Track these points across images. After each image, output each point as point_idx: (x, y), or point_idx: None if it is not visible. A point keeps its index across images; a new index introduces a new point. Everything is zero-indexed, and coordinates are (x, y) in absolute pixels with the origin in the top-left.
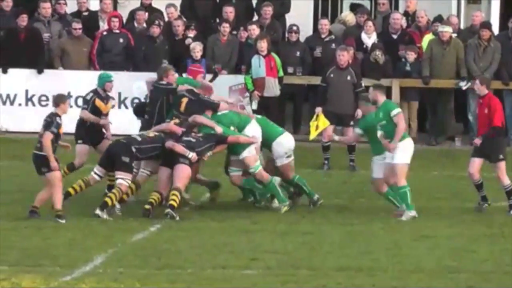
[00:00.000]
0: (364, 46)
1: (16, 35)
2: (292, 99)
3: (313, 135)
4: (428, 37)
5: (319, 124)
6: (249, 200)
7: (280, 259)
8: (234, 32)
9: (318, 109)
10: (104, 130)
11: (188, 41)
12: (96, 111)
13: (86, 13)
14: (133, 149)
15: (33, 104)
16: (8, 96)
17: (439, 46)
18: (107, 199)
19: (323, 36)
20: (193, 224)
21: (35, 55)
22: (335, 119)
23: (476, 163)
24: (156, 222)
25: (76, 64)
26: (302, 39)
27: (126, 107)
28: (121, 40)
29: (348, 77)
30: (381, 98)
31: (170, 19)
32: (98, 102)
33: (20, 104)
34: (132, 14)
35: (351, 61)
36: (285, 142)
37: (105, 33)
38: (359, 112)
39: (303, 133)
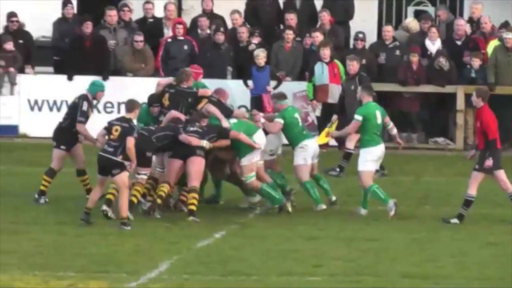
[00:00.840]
0: (429, 52)
1: (81, 43)
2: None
3: (321, 141)
4: (493, 43)
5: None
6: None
7: (345, 266)
8: (299, 39)
9: (334, 117)
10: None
11: (251, 47)
12: (86, 119)
13: (151, 20)
14: (153, 140)
15: (98, 111)
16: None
17: (504, 53)
18: (133, 198)
19: (387, 42)
20: (258, 231)
21: (100, 62)
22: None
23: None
24: (221, 228)
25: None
26: (366, 45)
27: None
28: (185, 47)
29: (352, 87)
30: (366, 99)
31: (234, 26)
32: (90, 111)
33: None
34: (195, 21)
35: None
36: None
37: (169, 40)
38: None
39: None
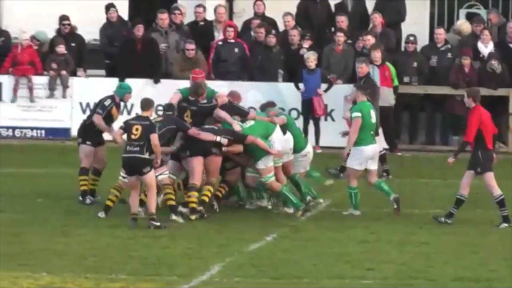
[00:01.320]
0: (481, 55)
1: (132, 46)
2: (408, 109)
3: None
4: None
5: None
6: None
7: (397, 269)
8: (350, 41)
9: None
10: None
11: (302, 51)
12: (109, 119)
13: (202, 23)
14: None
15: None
16: (125, 106)
17: None
18: (172, 202)
19: (439, 45)
20: (310, 234)
21: (152, 65)
22: None
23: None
24: (272, 231)
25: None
26: (417, 48)
27: None
28: (236, 50)
29: None
30: (361, 98)
31: (286, 28)
32: (114, 111)
33: (137, 114)
34: (247, 24)
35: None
36: None
37: (220, 43)
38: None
39: (420, 142)
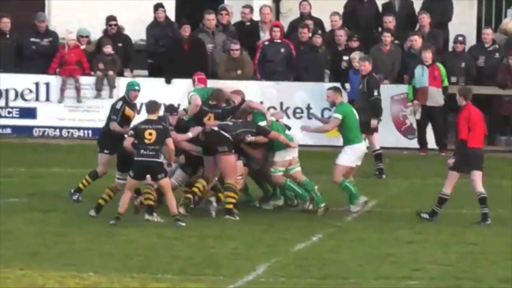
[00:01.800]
0: None
1: (179, 46)
2: (455, 109)
3: None
4: None
5: None
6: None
7: (443, 270)
8: (397, 42)
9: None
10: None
11: (343, 64)
12: (125, 120)
13: (248, 23)
14: (231, 136)
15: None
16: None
17: None
18: (150, 202)
19: (486, 45)
20: (355, 235)
21: (199, 65)
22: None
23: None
24: (318, 231)
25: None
26: (465, 48)
27: (288, 117)
28: (282, 50)
29: (361, 86)
30: (339, 99)
31: (333, 28)
32: (128, 111)
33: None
34: (293, 24)
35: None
36: None
37: (266, 43)
38: (374, 123)
39: None
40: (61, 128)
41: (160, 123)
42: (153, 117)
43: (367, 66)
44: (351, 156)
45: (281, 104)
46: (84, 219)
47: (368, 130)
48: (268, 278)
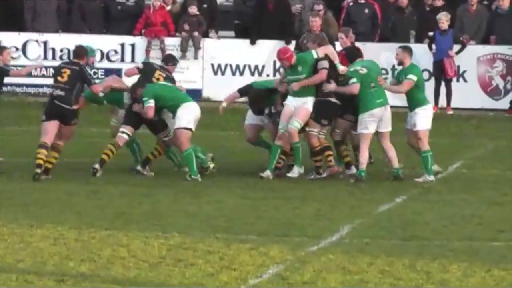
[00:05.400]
0: None
1: (264, 6)
2: None
3: None
4: None
5: None
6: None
7: None
8: (485, 2)
9: None
10: None
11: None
12: None
13: None
14: None
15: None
16: (256, 67)
17: None
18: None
19: None
20: (440, 196)
21: (284, 26)
22: None
23: None
24: (403, 193)
25: None
26: None
27: None
28: (366, 11)
29: None
30: (407, 59)
31: None
32: None
33: (268, 75)
34: None
35: None
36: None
37: (351, 3)
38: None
39: None
40: None
41: (79, 66)
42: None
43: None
44: (428, 118)
45: None
46: (168, 180)
47: None
48: (352, 239)
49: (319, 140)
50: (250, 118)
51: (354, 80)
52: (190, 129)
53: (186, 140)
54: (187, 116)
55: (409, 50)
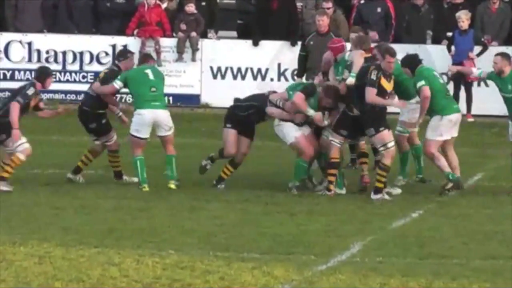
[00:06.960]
0: None
1: (268, 5)
2: None
3: None
4: None
5: None
6: None
7: None
8: (507, 0)
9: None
10: None
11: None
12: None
13: None
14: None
15: (286, 79)
16: (259, 70)
17: None
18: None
19: None
20: (459, 210)
21: (288, 25)
22: None
23: None
24: (418, 207)
25: None
26: None
27: None
28: (378, 10)
29: None
30: (507, 68)
31: None
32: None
33: (272, 79)
34: None
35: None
36: None
37: (362, 1)
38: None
39: None
40: None
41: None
42: None
43: (324, 21)
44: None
45: None
46: (164, 193)
47: None
48: (363, 257)
49: (340, 153)
50: (296, 130)
51: (422, 82)
52: (139, 138)
53: (135, 146)
54: (136, 124)
55: (508, 57)
